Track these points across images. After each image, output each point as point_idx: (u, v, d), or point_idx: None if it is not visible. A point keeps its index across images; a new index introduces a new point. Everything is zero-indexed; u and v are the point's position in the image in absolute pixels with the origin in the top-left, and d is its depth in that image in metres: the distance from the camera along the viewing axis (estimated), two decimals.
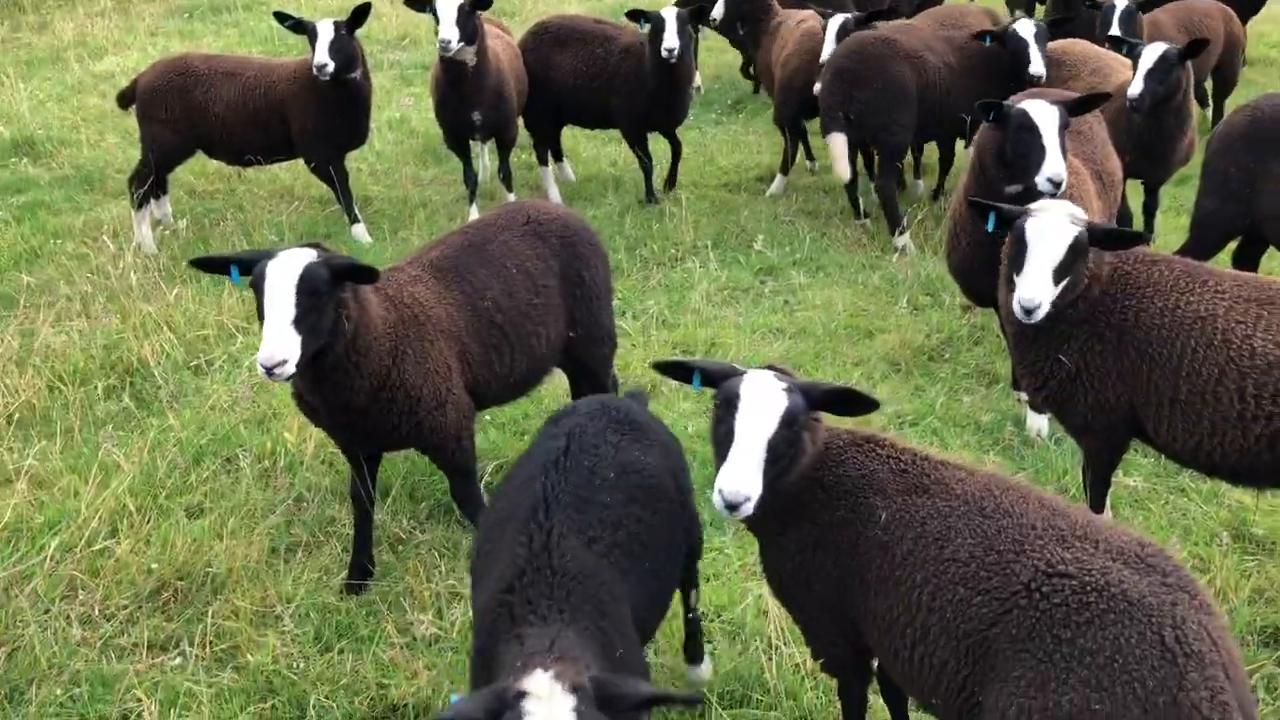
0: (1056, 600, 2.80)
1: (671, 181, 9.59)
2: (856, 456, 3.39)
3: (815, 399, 3.26)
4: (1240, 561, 4.97)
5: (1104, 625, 2.73)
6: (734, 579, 4.92)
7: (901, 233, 8.26)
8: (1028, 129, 5.41)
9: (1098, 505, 4.96)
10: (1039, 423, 5.96)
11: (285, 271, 3.98)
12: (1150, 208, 7.83)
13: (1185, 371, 4.41)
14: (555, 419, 3.81)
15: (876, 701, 3.98)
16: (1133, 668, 2.67)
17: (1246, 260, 6.74)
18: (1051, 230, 4.35)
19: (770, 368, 3.42)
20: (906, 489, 3.27)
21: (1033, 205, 4.55)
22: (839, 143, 8.21)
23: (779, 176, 9.60)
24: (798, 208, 9.24)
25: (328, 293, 4.03)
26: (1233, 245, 6.79)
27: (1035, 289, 4.36)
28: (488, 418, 6.14)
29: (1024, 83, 7.49)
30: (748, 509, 3.11)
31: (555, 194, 9.33)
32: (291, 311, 3.96)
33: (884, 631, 3.20)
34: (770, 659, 4.38)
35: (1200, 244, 6.58)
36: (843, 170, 8.33)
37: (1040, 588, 2.84)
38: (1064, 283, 4.39)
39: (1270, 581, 4.85)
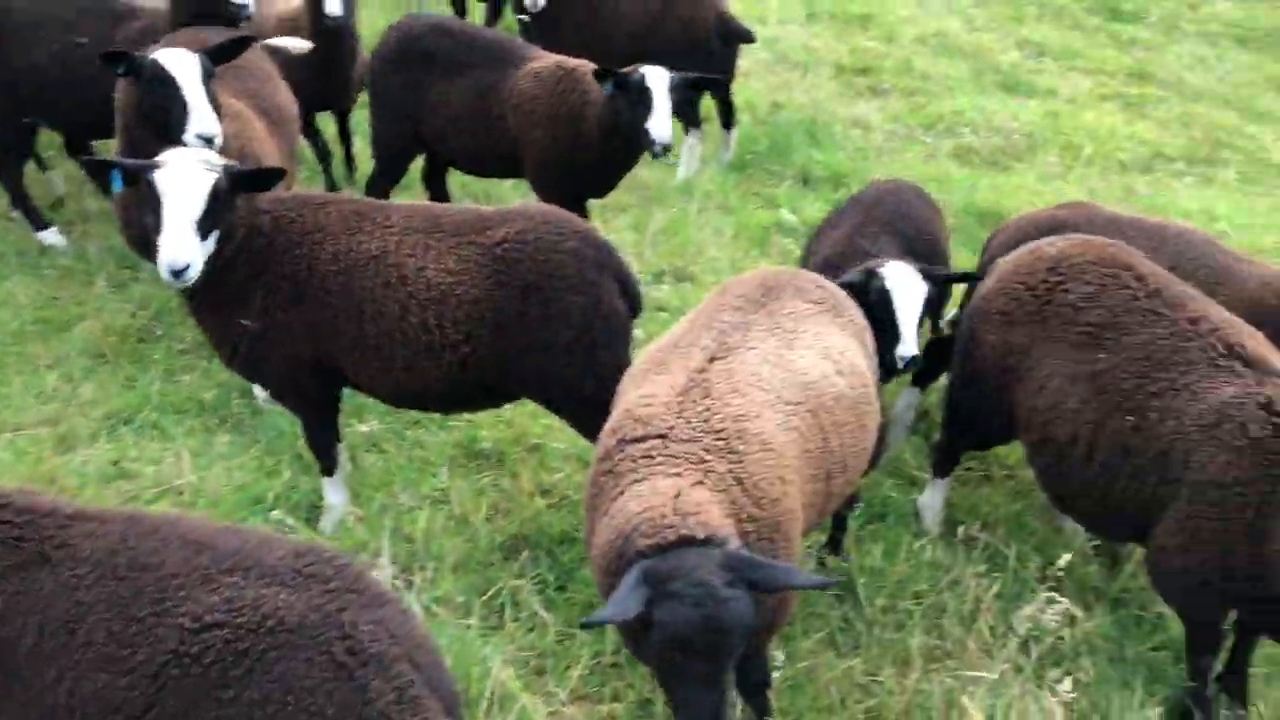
0: (210, 659, 2.37)
1: None
2: None
3: None
4: (475, 481, 5.06)
5: (267, 668, 2.36)
6: None
7: (41, 229, 6.79)
8: (163, 81, 4.70)
9: (328, 464, 4.71)
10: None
11: None
12: (345, 135, 7.63)
13: (369, 314, 4.29)
14: None
15: None
16: (309, 702, 2.35)
17: (435, 179, 6.85)
18: (186, 180, 3.91)
19: None
20: (32, 563, 2.60)
21: (164, 156, 4.03)
22: None
23: None
24: None
25: None
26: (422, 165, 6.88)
27: (179, 248, 3.91)
28: None
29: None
30: None
31: None
32: None
33: None
34: None
35: (385, 168, 6.57)
36: None
37: (190, 650, 2.39)
38: (214, 235, 4.01)
39: (503, 494, 4.99)
